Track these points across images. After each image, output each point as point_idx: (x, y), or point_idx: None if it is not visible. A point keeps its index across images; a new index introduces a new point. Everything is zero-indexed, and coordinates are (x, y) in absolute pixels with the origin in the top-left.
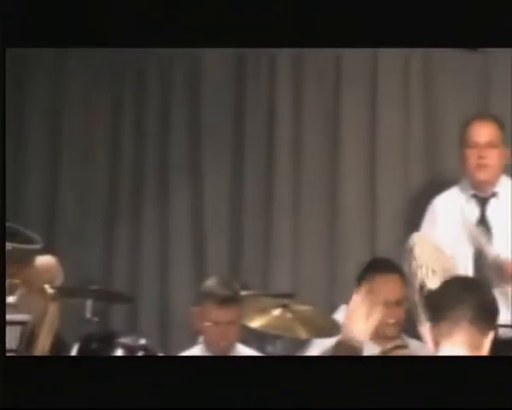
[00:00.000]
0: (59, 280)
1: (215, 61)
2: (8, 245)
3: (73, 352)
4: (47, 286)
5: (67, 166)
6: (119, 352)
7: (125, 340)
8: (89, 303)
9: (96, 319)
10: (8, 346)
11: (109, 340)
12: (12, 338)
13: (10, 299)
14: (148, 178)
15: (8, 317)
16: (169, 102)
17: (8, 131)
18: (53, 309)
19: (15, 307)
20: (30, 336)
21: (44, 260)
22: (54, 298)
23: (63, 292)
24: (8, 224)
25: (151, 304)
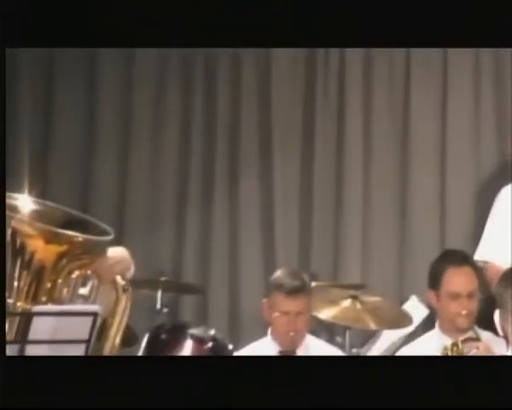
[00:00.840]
0: (130, 272)
1: (284, 59)
2: (79, 236)
3: (143, 343)
4: (118, 278)
5: (138, 159)
6: (189, 343)
7: (194, 331)
8: (159, 294)
9: (166, 310)
10: (79, 337)
11: (179, 331)
12: (84, 329)
13: (82, 290)
14: (218, 169)
15: (80, 307)
16: (239, 98)
17: (80, 128)
18: (124, 300)
19: (87, 299)
20: (101, 327)
21: (116, 252)
22: (125, 289)
23: (134, 283)
24: (79, 215)
25: (221, 295)
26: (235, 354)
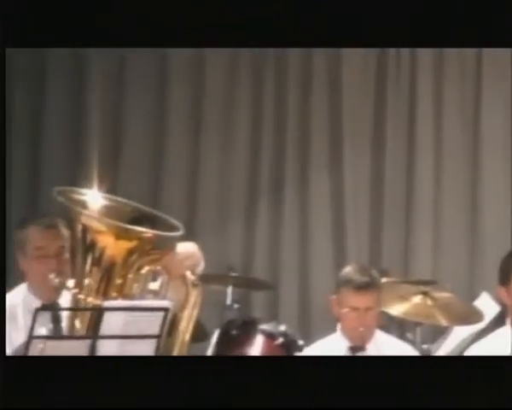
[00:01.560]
0: (200, 267)
1: (355, 59)
2: (149, 232)
3: (214, 338)
4: (188, 273)
5: (209, 154)
6: (260, 339)
7: (265, 327)
8: (229, 290)
9: (236, 305)
10: (150, 332)
11: (250, 326)
12: (154, 325)
13: (152, 286)
14: (288, 164)
15: (151, 303)
16: (310, 96)
17: (151, 125)
18: (194, 296)
19: (157, 294)
20: (171, 322)
21: (186, 247)
22: (195, 285)
23: (204, 279)
24: (149, 210)
25: (291, 291)
26: (306, 349)
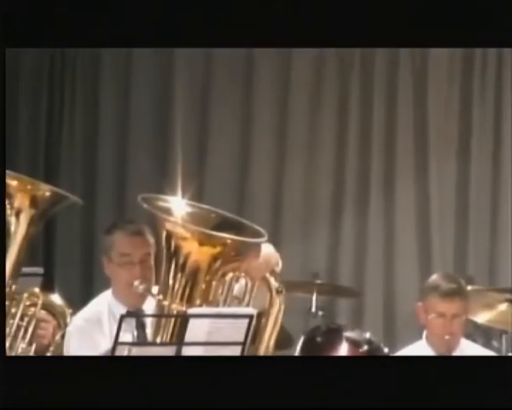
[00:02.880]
0: (279, 267)
1: (441, 57)
2: (233, 239)
3: (299, 346)
4: (272, 280)
5: (294, 160)
6: (344, 346)
7: (350, 334)
8: (314, 297)
9: (321, 313)
10: (235, 339)
11: (334, 334)
12: (239, 331)
13: (235, 292)
14: (373, 173)
15: (236, 310)
16: (395, 98)
17: (236, 132)
18: (278, 303)
19: (241, 300)
20: (256, 329)
21: (264, 250)
22: (279, 291)
23: (289, 286)
24: (232, 217)
25: (376, 298)
26: None
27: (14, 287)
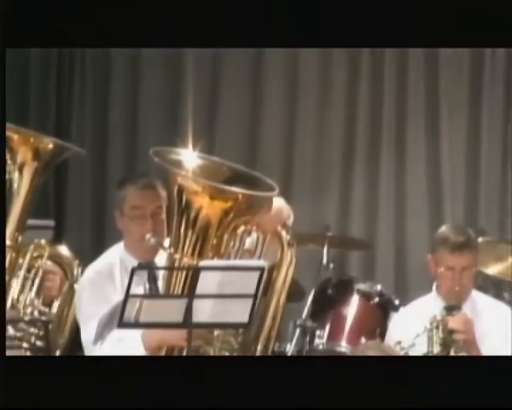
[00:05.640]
0: (290, 221)
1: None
2: (245, 193)
3: (310, 298)
4: (284, 233)
5: (305, 112)
6: (355, 298)
7: (361, 286)
8: (325, 250)
9: (332, 265)
10: (246, 291)
11: (346, 286)
12: (250, 284)
13: (247, 245)
14: (384, 124)
15: (247, 262)
16: (406, 62)
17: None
18: (289, 255)
19: (253, 254)
20: (267, 281)
21: (276, 204)
22: (290, 244)
23: (300, 239)
24: (244, 170)
25: (387, 250)
26: (402, 309)
27: (20, 239)
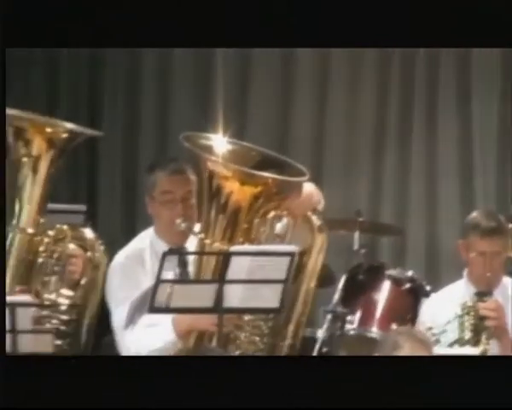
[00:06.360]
0: (321, 206)
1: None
2: (275, 178)
3: (341, 283)
4: (314, 218)
5: (335, 99)
6: (387, 284)
7: (392, 272)
8: (356, 235)
9: (363, 250)
10: (276, 277)
11: (377, 272)
12: (280, 269)
13: (277, 230)
14: (416, 109)
15: (278, 248)
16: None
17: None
18: (320, 241)
19: (283, 239)
20: (297, 267)
21: (306, 189)
22: (321, 229)
23: (331, 224)
24: (274, 155)
25: (419, 236)
26: (433, 295)
27: (41, 223)
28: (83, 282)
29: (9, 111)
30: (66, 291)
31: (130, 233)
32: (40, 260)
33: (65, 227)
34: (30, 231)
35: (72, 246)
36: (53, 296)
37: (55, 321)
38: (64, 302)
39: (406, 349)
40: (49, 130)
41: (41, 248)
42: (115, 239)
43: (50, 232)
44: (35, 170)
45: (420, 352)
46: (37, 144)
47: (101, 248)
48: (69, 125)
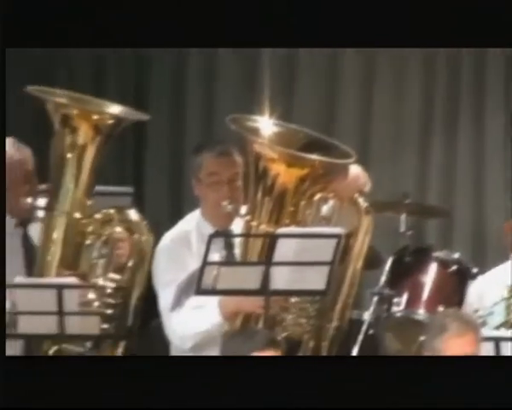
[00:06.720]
0: (367, 187)
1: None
2: (322, 160)
3: (387, 265)
4: (361, 200)
5: (382, 81)
6: (433, 266)
7: (439, 254)
8: (403, 217)
9: (410, 232)
10: (323, 259)
11: (423, 254)
12: (327, 251)
13: (323, 212)
14: (463, 91)
15: (324, 230)
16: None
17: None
18: (366, 223)
19: (329, 221)
20: (344, 249)
21: (352, 171)
22: (368, 211)
23: (378, 206)
24: (321, 137)
25: (466, 218)
26: (480, 277)
27: (88, 206)
28: (130, 264)
29: (57, 99)
30: (113, 275)
31: (176, 215)
32: (88, 242)
33: (111, 211)
34: (77, 215)
35: (118, 229)
36: (100, 281)
37: (101, 305)
38: (111, 286)
39: (453, 331)
40: (95, 117)
41: (88, 230)
42: (161, 221)
43: (97, 216)
44: (82, 156)
45: (467, 334)
46: (84, 131)
47: (148, 230)
48: (116, 111)
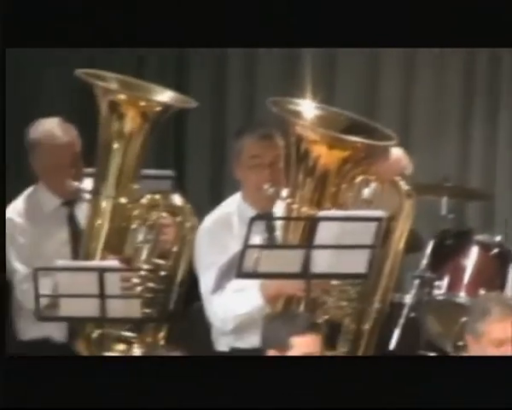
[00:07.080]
0: (409, 170)
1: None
2: (363, 142)
3: (428, 249)
4: (402, 183)
5: (424, 65)
6: (475, 249)
7: (480, 237)
8: (444, 200)
9: (451, 215)
10: (363, 242)
11: (465, 237)
12: (368, 234)
13: (365, 195)
14: (503, 74)
15: (365, 213)
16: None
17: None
18: (407, 206)
19: (370, 204)
20: (385, 232)
21: (394, 153)
22: (409, 195)
23: (419, 189)
24: (362, 120)
25: (507, 201)
26: None
27: (134, 189)
28: (174, 250)
29: (106, 85)
30: (157, 260)
31: (217, 198)
32: (133, 226)
33: (157, 196)
34: (123, 200)
35: (164, 215)
36: (145, 266)
37: (144, 289)
38: (154, 270)
39: (496, 315)
40: (143, 103)
41: (134, 214)
42: (203, 204)
43: (143, 201)
44: (129, 143)
45: (509, 317)
46: (131, 118)
47: (193, 215)
48: (164, 98)
